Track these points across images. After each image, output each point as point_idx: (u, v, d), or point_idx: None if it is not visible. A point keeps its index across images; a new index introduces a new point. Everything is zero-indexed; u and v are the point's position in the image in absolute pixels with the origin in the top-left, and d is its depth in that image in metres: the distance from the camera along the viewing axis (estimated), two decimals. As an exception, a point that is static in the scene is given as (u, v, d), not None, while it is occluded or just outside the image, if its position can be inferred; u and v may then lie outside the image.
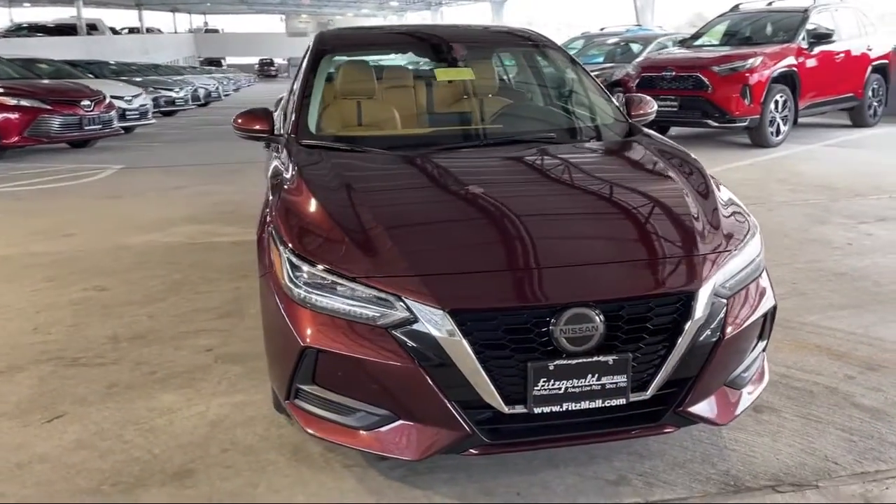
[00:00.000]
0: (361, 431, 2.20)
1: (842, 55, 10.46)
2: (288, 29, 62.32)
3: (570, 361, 2.08)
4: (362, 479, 2.40)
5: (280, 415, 2.73)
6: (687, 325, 2.15)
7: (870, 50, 11.00)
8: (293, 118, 3.26)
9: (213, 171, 8.93)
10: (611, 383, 2.13)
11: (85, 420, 2.81)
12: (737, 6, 11.40)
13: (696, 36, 11.27)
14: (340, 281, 2.19)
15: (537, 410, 2.11)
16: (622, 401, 2.15)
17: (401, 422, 2.15)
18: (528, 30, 4.10)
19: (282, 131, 3.36)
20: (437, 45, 3.85)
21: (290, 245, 2.33)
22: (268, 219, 2.62)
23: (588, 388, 2.12)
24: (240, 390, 3.03)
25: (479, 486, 2.35)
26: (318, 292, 2.21)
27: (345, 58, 3.78)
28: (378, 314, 2.12)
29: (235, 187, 7.68)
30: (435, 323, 2.05)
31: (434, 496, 2.30)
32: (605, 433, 2.20)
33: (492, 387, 2.06)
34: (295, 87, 4.02)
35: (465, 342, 2.04)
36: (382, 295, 2.13)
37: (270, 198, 2.80)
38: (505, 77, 3.71)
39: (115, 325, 3.78)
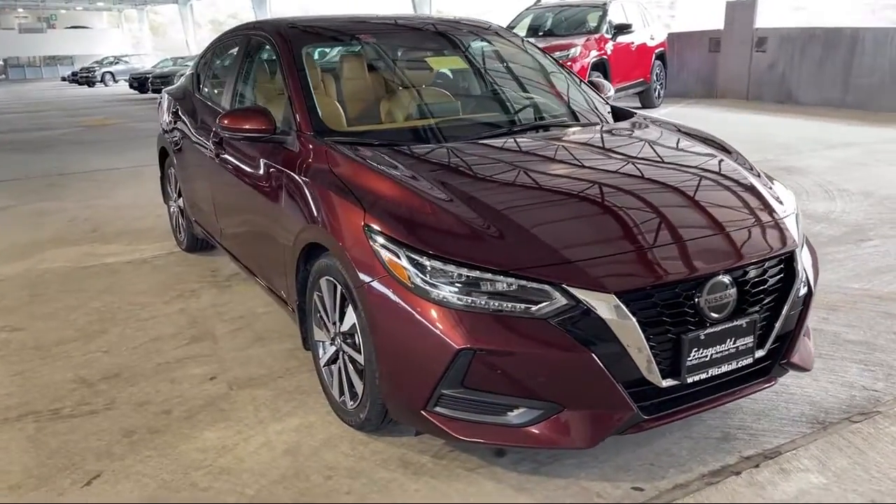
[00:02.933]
0: (524, 428, 2.15)
1: (634, 44, 11.64)
2: (21, 26, 55.13)
3: (715, 329, 2.21)
4: (497, 479, 2.34)
5: (358, 432, 2.58)
6: (795, 283, 2.37)
7: (652, 39, 12.37)
8: (299, 115, 2.99)
9: (25, 186, 7.79)
10: (742, 345, 2.28)
11: (133, 475, 2.42)
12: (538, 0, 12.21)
13: (509, 28, 11.88)
14: (486, 276, 2.11)
15: (689, 380, 2.20)
16: (749, 360, 2.32)
17: (567, 411, 2.13)
18: (489, 21, 4.14)
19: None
20: (413, 35, 3.75)
21: (417, 246, 2.19)
22: (344, 224, 2.41)
23: (726, 352, 2.26)
24: (287, 414, 2.78)
25: (614, 464, 2.39)
26: (460, 291, 2.11)
27: (322, 50, 3.54)
28: (532, 305, 2.08)
29: (71, 202, 6.81)
30: (603, 307, 2.06)
31: (579, 482, 2.31)
32: (735, 392, 2.35)
33: (654, 363, 2.12)
34: (263, 82, 3.71)
35: (634, 322, 2.07)
36: (536, 285, 2.09)
37: (315, 202, 2.60)
38: (481, 66, 3.70)
39: (69, 367, 3.24)
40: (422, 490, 2.30)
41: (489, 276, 2.12)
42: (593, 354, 2.06)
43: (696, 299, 2.18)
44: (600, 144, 3.04)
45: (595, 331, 2.07)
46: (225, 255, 4.68)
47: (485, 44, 3.82)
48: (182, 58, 30.20)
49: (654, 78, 12.44)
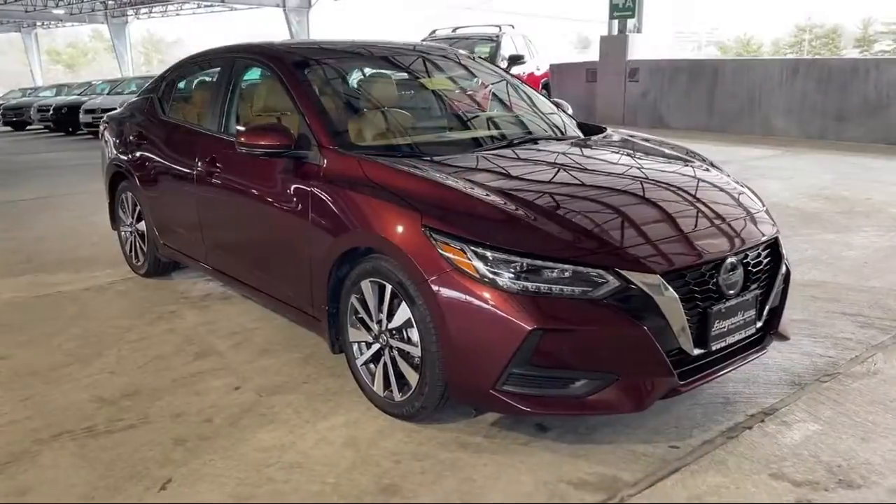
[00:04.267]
0: (586, 398, 2.44)
1: (524, 74, 12.37)
2: None
3: (731, 303, 2.61)
4: (551, 450, 2.61)
5: (406, 423, 2.79)
6: (781, 263, 2.83)
7: (538, 69, 13.19)
8: (317, 131, 3.16)
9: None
10: (748, 317, 2.71)
11: (205, 476, 2.50)
12: (434, 31, 12.71)
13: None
14: (547, 264, 2.41)
15: (714, 347, 2.59)
16: (752, 330, 2.75)
17: (621, 380, 2.45)
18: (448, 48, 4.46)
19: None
20: (398, 59, 3.99)
21: (481, 241, 2.45)
22: (397, 223, 2.63)
23: (738, 323, 2.67)
24: (329, 413, 2.92)
25: (645, 430, 2.73)
26: (524, 279, 2.39)
27: (326, 70, 3.71)
28: (590, 288, 2.40)
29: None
30: (651, 286, 2.41)
31: (622, 446, 2.62)
32: (741, 358, 2.75)
33: (689, 334, 2.49)
34: (257, 102, 3.82)
35: (678, 298, 2.43)
36: (592, 270, 2.41)
37: (355, 210, 2.81)
38: (469, 88, 4.00)
39: (80, 389, 3.21)
40: (489, 465, 2.53)
41: (550, 264, 2.41)
42: (645, 328, 2.39)
43: (716, 278, 2.58)
44: (602, 152, 3.42)
45: (644, 307, 2.41)
46: (189, 279, 4.72)
47: (463, 69, 4.14)
48: (32, 89, 28.17)
49: (542, 105, 13.21)
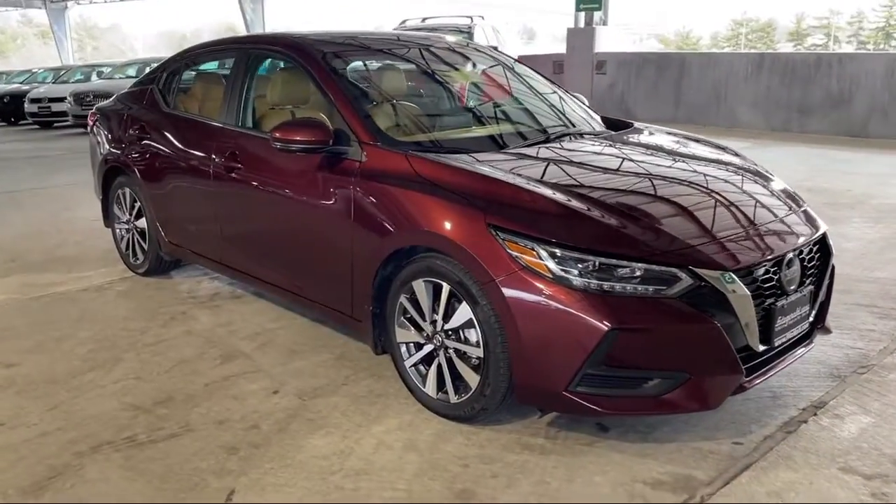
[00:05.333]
0: (659, 397, 2.43)
1: (495, 66, 12.33)
2: None
3: (791, 299, 2.63)
4: (618, 450, 2.60)
5: (462, 425, 2.74)
6: (830, 259, 2.86)
7: (507, 61, 13.15)
8: (355, 126, 3.07)
9: None
10: (804, 312, 2.74)
11: (268, 486, 2.41)
12: (404, 21, 12.58)
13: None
14: (622, 263, 2.38)
15: (776, 343, 2.60)
16: (806, 325, 2.78)
17: (694, 379, 2.44)
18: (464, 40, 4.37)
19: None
20: (427, 52, 3.90)
21: (552, 239, 2.41)
22: (463, 220, 2.57)
23: (796, 319, 2.70)
24: (379, 416, 2.85)
25: (705, 427, 2.73)
26: (598, 278, 2.37)
27: (353, 64, 3.60)
28: (664, 286, 2.38)
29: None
30: (724, 284, 2.41)
31: (687, 444, 2.62)
32: (795, 354, 2.78)
33: (756, 330, 2.50)
34: (279, 95, 3.69)
35: (749, 295, 2.44)
36: (666, 268, 2.39)
37: (406, 208, 2.75)
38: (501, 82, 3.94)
39: (108, 397, 3.06)
40: (558, 466, 2.50)
41: (624, 262, 2.39)
42: (719, 326, 2.38)
43: (779, 274, 2.59)
44: (643, 147, 3.40)
45: (717, 304, 2.41)
46: (191, 277, 4.59)
47: (491, 61, 4.08)
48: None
49: (511, 97, 13.22)
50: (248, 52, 3.82)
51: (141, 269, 4.66)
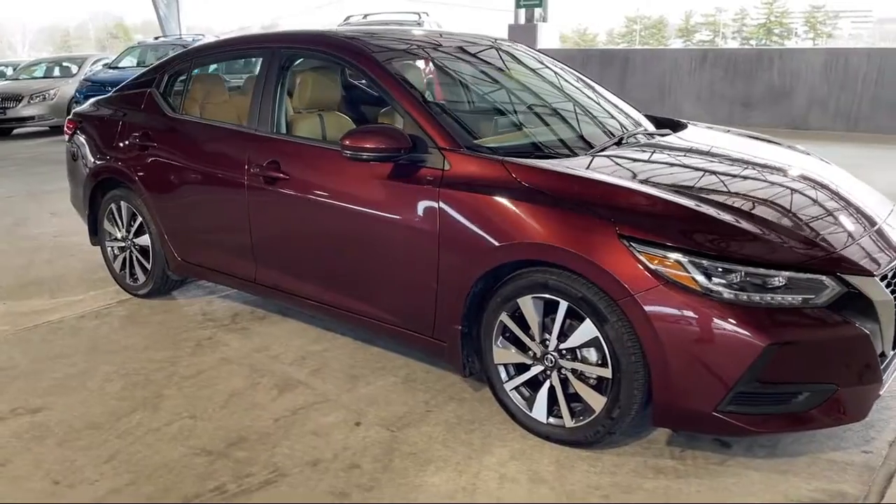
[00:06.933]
0: (809, 411, 2.32)
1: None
2: None
3: (907, 300, 2.57)
4: (753, 468, 2.49)
5: (581, 450, 2.59)
6: None
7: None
8: (433, 131, 2.84)
9: None
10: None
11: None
12: (348, 17, 12.22)
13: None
14: (770, 272, 2.25)
15: (898, 347, 2.54)
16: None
17: (841, 390, 2.34)
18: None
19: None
20: (479, 52, 3.67)
21: (698, 250, 2.26)
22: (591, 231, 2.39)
23: (910, 320, 2.63)
24: (485, 446, 2.65)
25: (824, 437, 2.65)
26: (748, 289, 2.24)
27: (404, 63, 3.34)
28: (812, 295, 2.27)
29: None
30: (871, 288, 2.32)
31: (819, 456, 2.53)
32: None
33: (892, 334, 2.42)
34: (327, 100, 3.40)
35: (892, 300, 2.36)
36: (813, 276, 2.28)
37: (510, 219, 2.56)
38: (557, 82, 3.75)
39: (169, 441, 2.72)
40: (702, 490, 2.36)
41: (773, 272, 2.26)
42: (868, 334, 2.29)
43: None
44: (728, 147, 3.28)
45: (863, 311, 2.32)
46: (198, 297, 4.27)
47: (538, 62, 3.89)
48: None
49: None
50: (279, 53, 3.48)
51: (142, 290, 4.24)
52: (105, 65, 14.80)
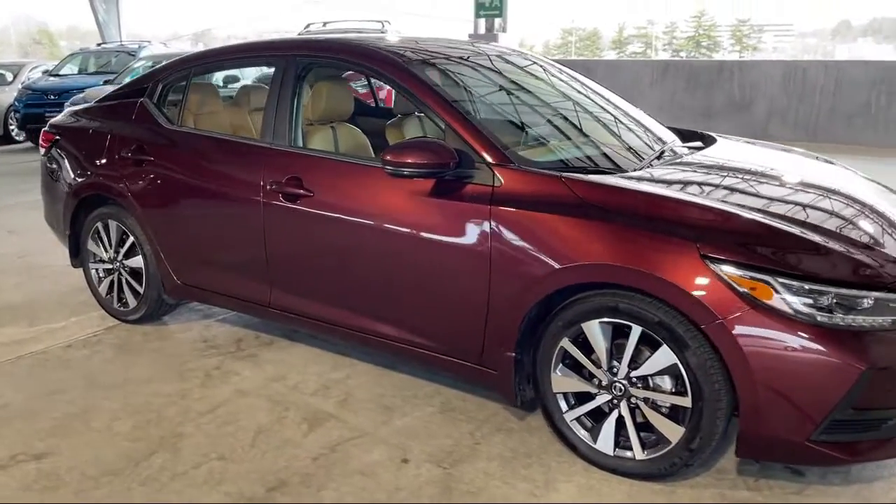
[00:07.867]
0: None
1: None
2: None
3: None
4: (833, 496, 2.39)
5: (647, 483, 2.44)
6: None
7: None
8: (479, 145, 2.67)
9: None
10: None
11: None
12: (308, 26, 11.91)
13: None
14: (861, 293, 2.16)
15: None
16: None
17: (926, 413, 2.25)
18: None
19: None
20: (511, 62, 3.50)
21: (788, 271, 2.15)
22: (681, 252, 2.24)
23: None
24: (548, 481, 2.49)
25: (886, 464, 2.56)
26: (842, 312, 2.14)
27: (453, 77, 3.15)
28: None
29: None
30: None
31: (889, 479, 2.44)
32: None
33: None
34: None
35: (967, 317, 2.29)
36: None
37: (572, 239, 2.41)
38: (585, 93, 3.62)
39: (201, 487, 2.46)
40: (783, 520, 2.24)
41: (864, 293, 2.16)
42: (953, 353, 2.21)
43: None
44: (767, 161, 3.20)
45: None
46: (192, 322, 3.99)
47: (567, 73, 3.75)
48: None
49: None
50: (296, 62, 3.25)
51: (133, 315, 3.93)
52: (45, 72, 14.25)
